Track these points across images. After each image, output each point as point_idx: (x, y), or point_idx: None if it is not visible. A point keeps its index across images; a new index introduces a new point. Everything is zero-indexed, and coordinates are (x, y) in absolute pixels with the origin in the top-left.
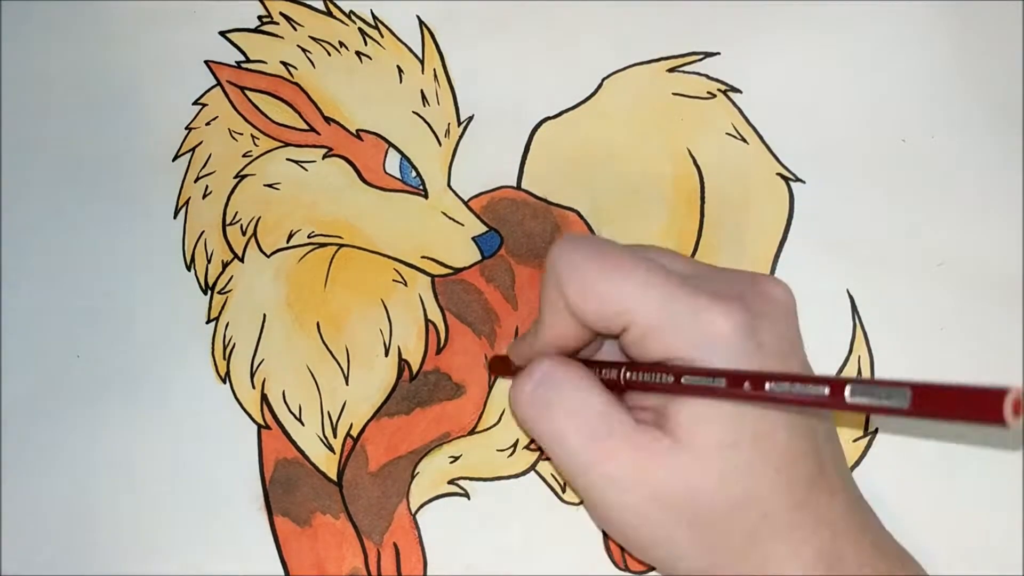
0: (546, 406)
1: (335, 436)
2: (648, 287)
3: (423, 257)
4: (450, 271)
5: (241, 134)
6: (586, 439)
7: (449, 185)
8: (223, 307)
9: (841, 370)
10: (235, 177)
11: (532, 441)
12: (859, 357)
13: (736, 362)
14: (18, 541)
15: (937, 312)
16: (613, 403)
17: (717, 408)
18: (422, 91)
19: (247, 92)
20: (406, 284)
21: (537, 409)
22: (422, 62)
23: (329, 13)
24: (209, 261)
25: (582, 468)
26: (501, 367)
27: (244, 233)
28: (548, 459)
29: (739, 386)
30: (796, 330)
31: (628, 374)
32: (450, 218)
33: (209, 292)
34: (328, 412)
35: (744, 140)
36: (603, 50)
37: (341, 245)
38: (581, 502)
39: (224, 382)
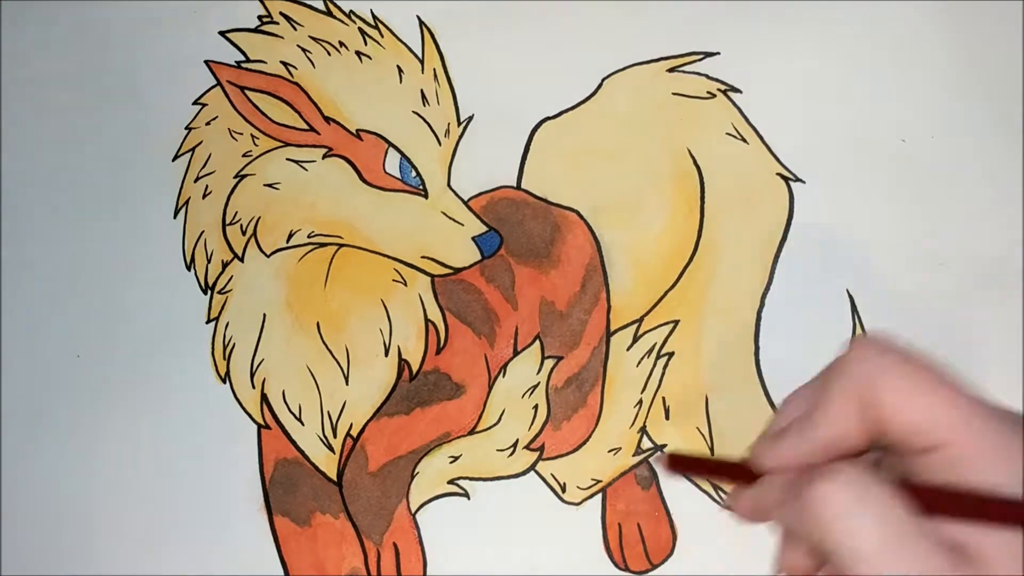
0: (872, 524)
1: (335, 436)
2: (971, 411)
3: (423, 257)
4: (450, 271)
5: (241, 134)
6: (903, 560)
7: (449, 185)
8: (223, 307)
9: None
10: (235, 177)
11: (532, 441)
12: None
13: None
14: (18, 541)
15: (937, 312)
16: (936, 536)
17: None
18: (422, 91)
19: (247, 92)
20: (406, 284)
21: (859, 526)
22: (422, 62)
23: (329, 13)
24: (209, 261)
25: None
26: (694, 466)
27: (244, 233)
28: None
29: None
30: None
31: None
32: (450, 218)
33: (209, 292)
34: (328, 412)
35: (744, 140)
36: (603, 50)
37: (341, 245)
38: (581, 502)
39: (224, 382)
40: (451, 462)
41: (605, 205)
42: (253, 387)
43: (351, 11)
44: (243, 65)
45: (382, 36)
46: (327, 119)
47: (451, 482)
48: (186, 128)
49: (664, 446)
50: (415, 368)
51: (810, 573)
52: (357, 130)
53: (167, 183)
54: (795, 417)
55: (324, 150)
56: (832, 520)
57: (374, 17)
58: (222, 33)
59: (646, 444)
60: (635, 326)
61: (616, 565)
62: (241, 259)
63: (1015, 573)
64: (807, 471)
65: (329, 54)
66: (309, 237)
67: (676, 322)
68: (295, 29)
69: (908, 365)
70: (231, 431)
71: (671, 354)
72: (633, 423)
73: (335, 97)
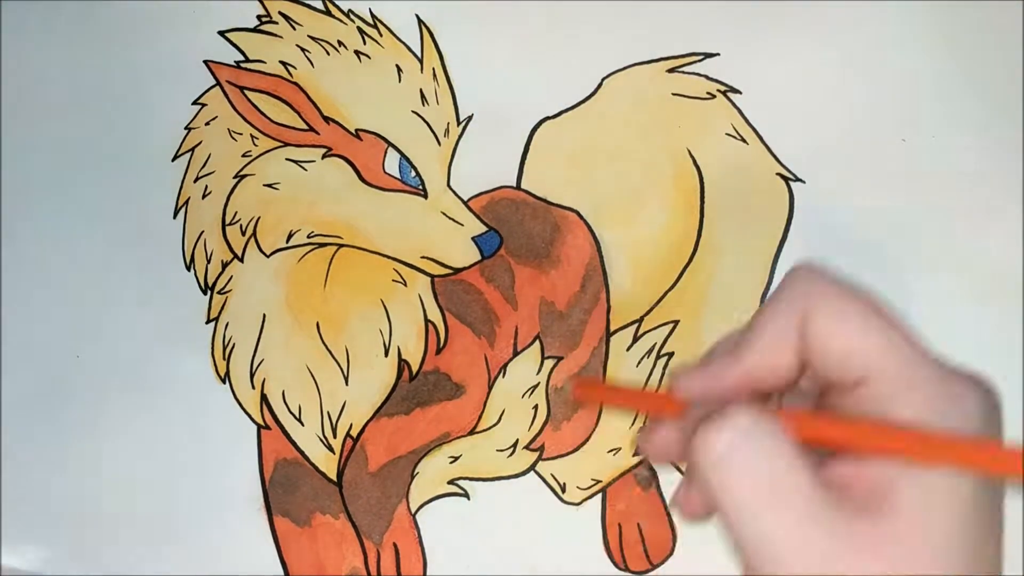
0: (742, 474)
1: (335, 436)
2: (904, 344)
3: (423, 257)
4: (450, 271)
5: (240, 134)
6: (790, 526)
7: (449, 185)
8: (223, 307)
9: None
10: (234, 177)
11: (532, 441)
12: None
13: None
14: (18, 540)
15: (937, 312)
16: (820, 485)
17: (955, 489)
18: (421, 90)
19: (246, 92)
20: (406, 284)
21: (730, 476)
22: (421, 61)
23: (328, 12)
24: (209, 261)
25: (773, 556)
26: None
27: (244, 233)
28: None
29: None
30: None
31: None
32: (450, 218)
33: (209, 292)
34: (328, 412)
35: (744, 140)
36: (603, 50)
37: (341, 245)
38: (581, 502)
39: (224, 382)
40: (451, 462)
41: (605, 205)
42: (253, 387)
43: (350, 10)
44: (242, 65)
45: (381, 35)
46: (326, 119)
47: (451, 482)
48: (186, 128)
49: None
50: (415, 368)
51: (701, 516)
52: (356, 130)
53: (167, 183)
54: (728, 344)
55: (323, 150)
56: (711, 467)
57: (373, 16)
58: (221, 33)
59: None
60: (635, 326)
61: (616, 565)
62: (241, 259)
63: (924, 521)
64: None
65: (328, 54)
66: (309, 237)
67: (676, 322)
68: (294, 29)
69: (842, 294)
70: (231, 431)
71: (671, 354)
72: (633, 423)
73: (334, 97)
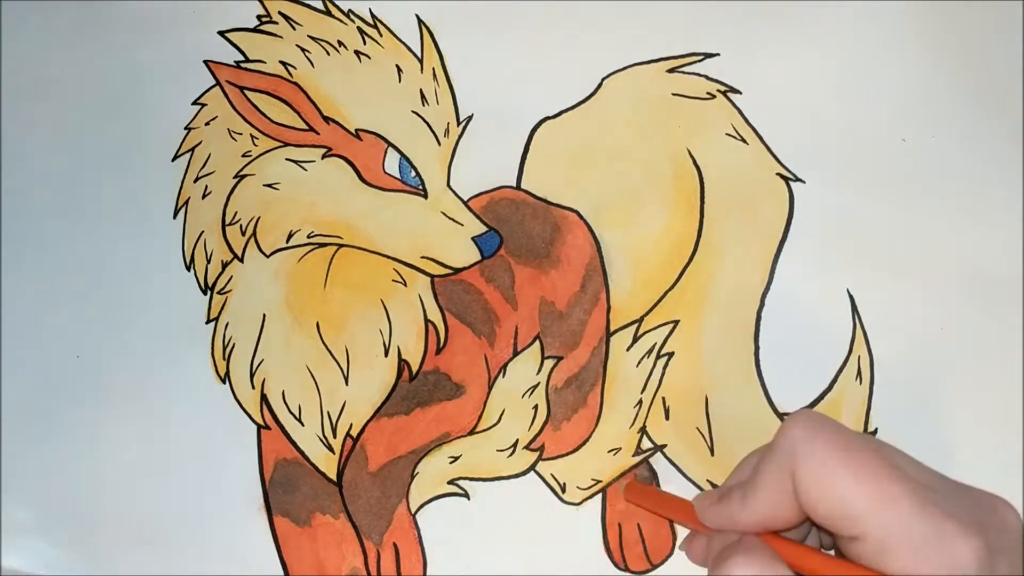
0: None
1: (335, 436)
2: (894, 500)
3: (423, 257)
4: (450, 271)
5: (240, 134)
6: None
7: (449, 185)
8: (223, 307)
9: (841, 370)
10: (234, 177)
11: (532, 441)
12: (859, 357)
13: None
14: (18, 541)
15: (937, 312)
16: None
17: None
18: (421, 90)
19: (246, 92)
20: (406, 284)
21: None
22: (421, 61)
23: (328, 12)
24: (209, 261)
25: None
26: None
27: (244, 233)
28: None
29: None
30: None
31: None
32: (450, 218)
33: (209, 292)
34: (328, 412)
35: (744, 140)
36: (603, 50)
37: (341, 245)
38: (581, 502)
39: (224, 382)
40: (451, 462)
41: (605, 205)
42: (253, 387)
43: (350, 10)
44: (242, 65)
45: (381, 35)
46: (326, 119)
47: (451, 482)
48: (185, 128)
49: (664, 446)
50: (415, 368)
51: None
52: (356, 130)
53: (167, 183)
54: (740, 481)
55: (323, 150)
56: None
57: (373, 16)
58: (221, 33)
59: (646, 444)
60: (635, 326)
61: (616, 565)
62: (241, 259)
63: None
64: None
65: (328, 54)
66: (309, 237)
67: (676, 322)
68: (294, 29)
69: (834, 450)
70: (231, 431)
71: (671, 354)
72: (633, 423)
73: (334, 97)
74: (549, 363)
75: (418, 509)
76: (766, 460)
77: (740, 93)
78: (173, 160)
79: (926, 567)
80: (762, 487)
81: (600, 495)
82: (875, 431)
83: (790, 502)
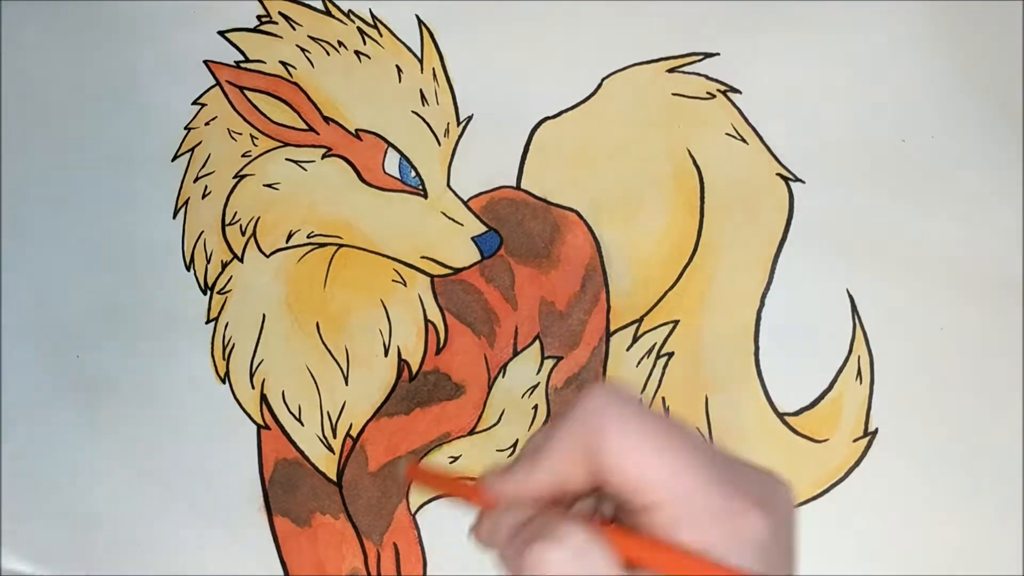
0: None
1: (335, 436)
2: (692, 470)
3: (423, 257)
4: (450, 271)
5: (240, 134)
6: None
7: (449, 185)
8: (223, 307)
9: (841, 370)
10: (234, 177)
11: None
12: (859, 357)
13: (768, 568)
14: (18, 541)
15: (937, 312)
16: None
17: None
18: (421, 91)
19: (246, 92)
20: (406, 284)
21: None
22: (421, 61)
23: (328, 12)
24: (209, 261)
25: None
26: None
27: (243, 233)
28: None
29: None
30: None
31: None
32: (450, 218)
33: (209, 292)
34: (328, 412)
35: (744, 140)
36: (603, 50)
37: (341, 245)
38: None
39: (224, 382)
40: (451, 462)
41: (605, 205)
42: (253, 387)
43: (350, 11)
44: (242, 65)
45: (381, 36)
46: (326, 119)
47: None
48: (185, 128)
49: None
50: (415, 368)
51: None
52: (356, 130)
53: (167, 183)
54: (529, 451)
55: (323, 150)
56: None
57: (373, 16)
58: (221, 33)
59: None
60: (635, 326)
61: None
62: (241, 259)
63: None
64: (540, 509)
65: (328, 54)
66: (309, 237)
67: (676, 322)
68: (294, 29)
69: (632, 420)
70: (231, 431)
71: (671, 354)
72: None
73: (334, 97)
74: (549, 363)
75: (418, 509)
76: (558, 428)
77: (740, 93)
78: (173, 160)
79: (718, 536)
80: (553, 453)
81: None
82: (875, 431)
83: (579, 471)
